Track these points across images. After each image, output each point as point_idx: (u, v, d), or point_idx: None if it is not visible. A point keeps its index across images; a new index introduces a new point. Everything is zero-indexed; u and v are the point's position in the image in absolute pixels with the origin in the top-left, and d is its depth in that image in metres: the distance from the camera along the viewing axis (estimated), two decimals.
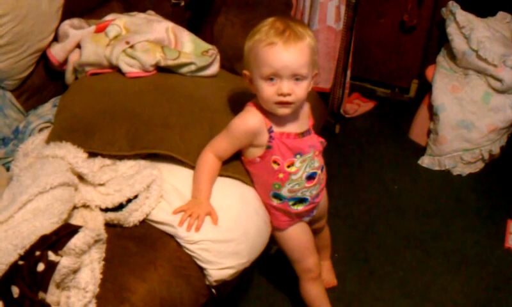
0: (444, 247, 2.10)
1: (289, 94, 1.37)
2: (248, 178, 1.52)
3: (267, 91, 1.37)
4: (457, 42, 2.44)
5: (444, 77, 2.50)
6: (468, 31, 2.40)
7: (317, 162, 1.53)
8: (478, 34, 2.37)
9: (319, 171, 1.54)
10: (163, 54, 1.67)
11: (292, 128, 1.47)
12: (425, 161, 2.54)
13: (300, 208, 1.55)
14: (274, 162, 1.46)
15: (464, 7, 2.48)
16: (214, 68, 1.77)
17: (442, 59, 2.58)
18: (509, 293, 1.93)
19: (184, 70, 1.71)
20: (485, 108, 2.38)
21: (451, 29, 2.46)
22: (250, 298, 1.88)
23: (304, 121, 1.52)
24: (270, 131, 1.44)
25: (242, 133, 1.44)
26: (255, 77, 1.39)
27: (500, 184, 2.43)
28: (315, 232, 1.80)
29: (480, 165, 2.49)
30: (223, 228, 1.40)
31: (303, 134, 1.49)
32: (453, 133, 2.44)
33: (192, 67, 1.71)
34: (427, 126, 2.59)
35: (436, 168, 2.51)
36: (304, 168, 1.49)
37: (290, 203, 1.53)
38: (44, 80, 1.79)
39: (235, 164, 1.52)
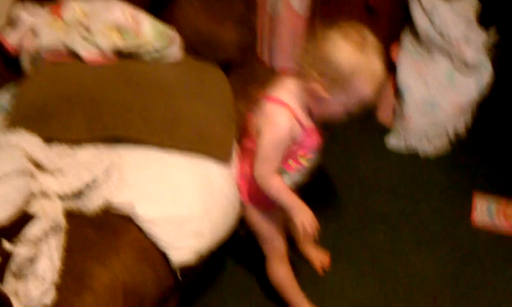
0: (411, 224, 2.12)
1: None
2: (223, 154, 1.50)
3: (340, 115, 1.39)
4: (421, 22, 2.43)
5: (408, 57, 2.50)
6: (431, 11, 2.40)
7: (317, 159, 1.56)
8: (441, 13, 2.37)
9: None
10: (121, 38, 1.63)
11: (310, 123, 1.46)
12: (391, 141, 2.55)
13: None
14: (295, 152, 1.46)
15: None
16: (175, 52, 1.74)
17: (406, 39, 2.57)
18: (476, 266, 1.95)
19: (144, 54, 1.68)
20: (449, 87, 2.40)
21: (415, 10, 2.45)
22: (220, 281, 1.86)
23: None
24: (301, 124, 1.42)
25: (288, 137, 1.41)
26: (337, 102, 1.35)
27: (465, 161, 2.45)
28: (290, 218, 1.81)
29: (445, 144, 2.50)
30: (183, 206, 1.39)
31: (316, 129, 1.50)
32: (418, 112, 2.44)
33: (152, 51, 1.67)
34: (393, 106, 2.60)
35: (403, 148, 2.52)
36: (311, 163, 1.52)
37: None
38: (0, 68, 1.74)
39: (209, 139, 1.50)
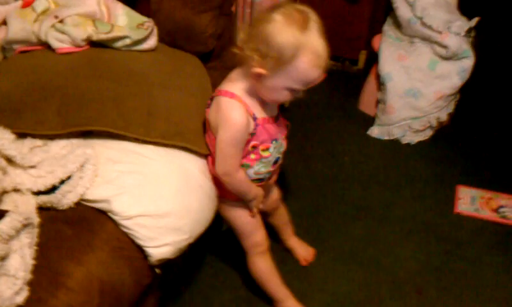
0: (395, 215, 2.11)
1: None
2: (199, 146, 1.47)
3: (285, 97, 1.37)
4: (402, 10, 2.42)
5: (390, 46, 2.49)
6: None
7: (283, 147, 1.53)
8: (422, 1, 2.35)
9: (282, 155, 1.54)
10: (95, 28, 1.58)
11: (268, 112, 1.44)
12: (374, 131, 2.53)
13: (259, 190, 1.55)
14: (252, 146, 1.43)
15: None
16: (151, 42, 1.69)
17: (388, 28, 2.56)
18: (459, 257, 1.94)
19: (119, 44, 1.63)
20: (431, 75, 2.38)
21: None
22: (202, 277, 1.84)
23: (274, 106, 1.49)
24: (254, 118, 1.40)
25: (244, 132, 1.39)
26: (279, 83, 1.33)
27: (448, 151, 2.45)
28: (272, 211, 1.79)
29: (428, 133, 2.49)
30: (161, 202, 1.35)
31: (276, 118, 1.48)
32: (401, 102, 2.43)
33: (127, 41, 1.63)
34: (376, 96, 2.58)
35: (386, 138, 2.51)
36: (274, 153, 1.48)
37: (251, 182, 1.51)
38: None
39: (186, 132, 1.46)
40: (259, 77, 1.33)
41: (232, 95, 1.38)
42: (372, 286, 1.83)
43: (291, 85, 1.33)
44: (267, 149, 1.46)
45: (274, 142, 1.47)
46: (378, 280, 1.85)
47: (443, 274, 1.88)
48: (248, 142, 1.43)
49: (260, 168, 1.49)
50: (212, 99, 1.46)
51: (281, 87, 1.34)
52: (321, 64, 1.30)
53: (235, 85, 1.40)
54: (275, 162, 1.52)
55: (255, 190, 1.52)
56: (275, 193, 1.74)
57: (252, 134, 1.42)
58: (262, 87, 1.36)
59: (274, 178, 1.64)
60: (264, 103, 1.43)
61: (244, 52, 1.34)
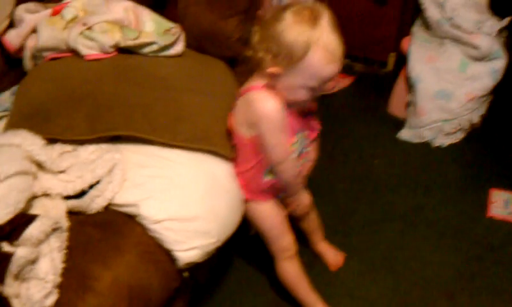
0: (426, 219, 2.07)
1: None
2: (226, 150, 1.47)
3: (305, 97, 1.36)
4: (431, 11, 2.38)
5: (420, 47, 2.45)
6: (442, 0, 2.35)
7: (308, 140, 1.53)
8: (452, 1, 2.31)
9: (308, 148, 1.54)
10: (122, 34, 1.60)
11: (293, 108, 1.44)
12: (404, 134, 2.50)
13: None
14: None
15: None
16: (179, 47, 1.71)
17: (417, 29, 2.52)
18: (492, 263, 1.89)
19: (146, 50, 1.65)
20: (462, 77, 2.34)
21: None
22: (230, 281, 1.83)
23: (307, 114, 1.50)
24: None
25: (282, 116, 1.38)
26: (296, 83, 1.32)
27: (481, 154, 2.40)
28: (303, 216, 1.78)
29: (460, 136, 2.44)
30: (189, 206, 1.35)
31: (304, 114, 1.48)
32: (431, 104, 2.39)
33: (155, 47, 1.65)
34: (406, 99, 2.55)
35: (416, 141, 2.47)
36: (299, 146, 1.48)
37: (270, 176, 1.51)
38: (3, 69, 1.72)
39: (213, 136, 1.47)
40: (274, 77, 1.33)
41: (261, 87, 1.39)
42: (402, 291, 1.79)
43: (307, 83, 1.32)
44: (293, 143, 1.46)
45: (298, 134, 1.47)
46: (408, 285, 1.81)
47: (475, 279, 1.83)
48: None
49: None
50: (237, 99, 1.46)
51: (297, 86, 1.33)
52: (335, 60, 1.29)
53: (261, 80, 1.40)
54: (299, 155, 1.51)
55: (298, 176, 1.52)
56: (306, 198, 1.73)
57: None
58: (280, 87, 1.35)
59: (303, 175, 1.62)
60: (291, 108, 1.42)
61: (257, 54, 1.35)
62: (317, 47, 1.26)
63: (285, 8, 1.31)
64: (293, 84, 1.33)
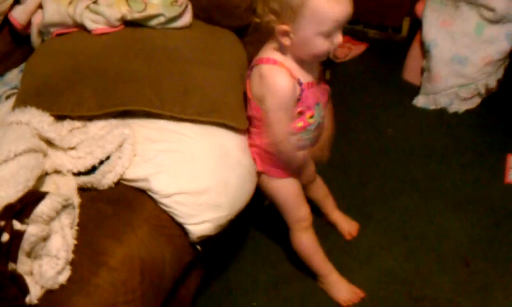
0: (442, 187, 2.04)
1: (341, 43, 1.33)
2: (237, 122, 1.45)
3: (325, 46, 1.31)
4: None
5: (434, 11, 2.39)
6: None
7: (323, 111, 1.50)
8: None
9: (323, 120, 1.52)
10: (128, 7, 1.58)
11: (311, 77, 1.42)
12: (420, 101, 2.45)
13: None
14: (299, 112, 1.41)
15: None
16: (186, 19, 1.68)
17: None
18: (509, 228, 1.87)
19: (153, 22, 1.62)
20: (478, 40, 2.28)
21: None
22: (245, 253, 1.83)
23: (315, 68, 1.46)
24: (299, 83, 1.38)
25: (292, 96, 1.37)
26: (310, 34, 1.29)
27: (498, 119, 2.35)
28: (308, 184, 1.76)
29: (477, 101, 2.40)
30: (199, 179, 1.34)
31: (318, 82, 1.45)
32: (447, 69, 2.34)
33: (162, 19, 1.62)
34: (421, 65, 2.50)
35: (432, 107, 2.42)
36: (317, 117, 1.46)
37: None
38: (11, 46, 1.72)
39: (223, 108, 1.45)
40: (287, 35, 1.31)
41: (274, 61, 1.36)
42: (418, 259, 1.78)
43: (319, 29, 1.28)
44: (313, 115, 1.44)
45: (316, 106, 1.44)
46: (424, 253, 1.80)
47: (492, 245, 1.81)
48: (294, 107, 1.40)
49: (303, 135, 1.47)
50: (251, 69, 1.44)
51: (312, 36, 1.29)
52: None
53: (275, 53, 1.37)
54: (317, 126, 1.49)
55: (303, 157, 1.50)
56: (311, 165, 1.71)
57: (298, 100, 1.39)
58: (296, 46, 1.33)
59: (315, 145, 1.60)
60: (306, 67, 1.40)
61: (263, 19, 1.33)
62: None
63: None
64: (307, 36, 1.29)
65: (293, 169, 1.53)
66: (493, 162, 2.13)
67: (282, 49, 1.36)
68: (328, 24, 1.27)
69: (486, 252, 1.79)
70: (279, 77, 1.35)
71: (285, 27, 1.30)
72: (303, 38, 1.30)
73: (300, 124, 1.43)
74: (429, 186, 2.05)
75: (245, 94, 1.49)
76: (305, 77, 1.40)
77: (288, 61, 1.37)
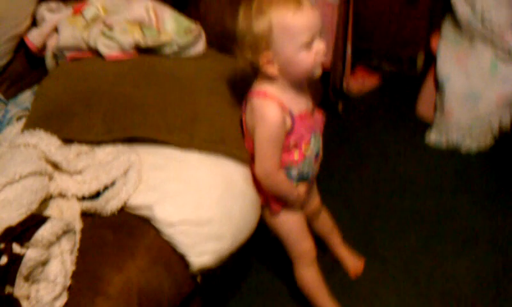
0: (451, 227, 2.00)
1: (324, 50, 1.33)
2: (243, 153, 1.45)
3: (309, 58, 1.31)
4: (462, 10, 2.31)
5: (449, 47, 2.38)
6: None
7: (320, 140, 1.50)
8: (483, 1, 2.24)
9: (321, 149, 1.51)
10: (142, 34, 1.60)
11: (304, 106, 1.42)
12: (432, 136, 2.43)
13: (303, 188, 1.51)
14: (293, 144, 1.41)
15: None
16: (199, 47, 1.69)
17: (447, 28, 2.45)
18: None
19: (166, 50, 1.64)
20: (493, 78, 2.26)
21: None
22: (247, 284, 1.81)
23: (309, 97, 1.46)
24: (291, 114, 1.38)
25: (281, 129, 1.37)
26: (290, 52, 1.29)
27: (510, 159, 2.32)
28: (313, 218, 1.74)
29: (489, 139, 2.37)
30: (203, 209, 1.33)
31: (312, 112, 1.45)
32: (460, 106, 2.32)
33: (175, 47, 1.63)
34: (434, 100, 2.48)
35: (444, 143, 2.40)
36: (315, 147, 1.45)
37: (295, 183, 1.48)
38: (25, 68, 1.74)
39: (230, 139, 1.45)
40: (271, 63, 1.32)
41: (265, 94, 1.36)
42: (423, 301, 1.74)
43: (296, 42, 1.28)
44: (308, 145, 1.43)
45: (312, 136, 1.44)
46: (430, 295, 1.76)
47: (501, 291, 1.77)
48: (287, 139, 1.40)
49: (304, 166, 1.46)
50: (246, 103, 1.44)
51: (294, 53, 1.29)
52: (296, 4, 1.26)
53: (265, 85, 1.38)
54: (316, 156, 1.49)
55: (296, 192, 1.49)
56: (317, 198, 1.70)
57: (290, 130, 1.39)
58: (284, 70, 1.33)
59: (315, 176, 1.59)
60: (297, 97, 1.40)
61: (246, 61, 1.35)
62: (270, 8, 1.26)
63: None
64: (290, 55, 1.29)
65: (293, 202, 1.51)
66: (504, 203, 2.10)
67: (272, 81, 1.36)
68: (302, 34, 1.27)
69: (495, 297, 1.75)
70: (268, 109, 1.35)
71: (266, 55, 1.30)
72: (287, 58, 1.30)
73: (296, 156, 1.43)
74: (437, 224, 2.01)
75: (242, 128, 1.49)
76: (297, 108, 1.39)
77: (278, 93, 1.36)
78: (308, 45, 1.29)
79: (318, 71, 1.36)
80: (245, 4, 1.31)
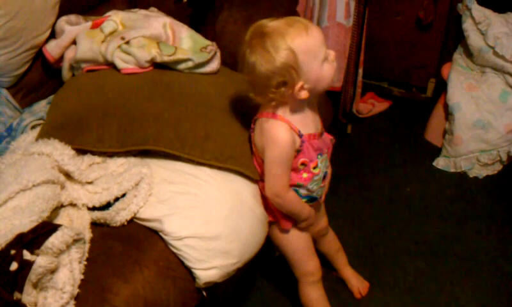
0: (456, 252, 2.01)
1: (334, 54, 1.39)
2: (253, 171, 1.47)
3: (331, 68, 1.36)
4: (474, 38, 2.33)
5: (460, 75, 2.40)
6: (484, 26, 2.29)
7: (328, 161, 1.52)
8: (495, 30, 2.26)
9: (329, 170, 1.54)
10: (159, 50, 1.62)
11: (313, 128, 1.44)
12: (440, 162, 2.44)
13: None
14: (302, 164, 1.43)
15: (481, 3, 2.37)
16: (214, 65, 1.72)
17: (459, 56, 2.48)
18: None
19: (181, 66, 1.66)
20: (503, 107, 2.27)
21: (467, 25, 2.36)
22: (252, 302, 1.82)
23: (318, 120, 1.49)
24: (300, 135, 1.40)
25: (290, 149, 1.39)
26: (317, 69, 1.33)
27: None
28: (320, 238, 1.75)
29: (497, 167, 2.37)
30: (212, 224, 1.35)
31: (321, 134, 1.47)
32: (469, 133, 2.33)
33: (190, 63, 1.66)
34: (443, 126, 2.49)
35: (452, 170, 2.41)
36: (322, 168, 1.47)
37: (303, 202, 1.50)
38: (42, 78, 1.76)
39: (241, 156, 1.47)
40: (303, 88, 1.34)
41: (274, 115, 1.38)
42: None
43: (319, 58, 1.32)
44: (316, 165, 1.45)
45: (319, 156, 1.46)
46: None
47: None
48: (296, 159, 1.42)
49: (313, 186, 1.48)
50: (254, 123, 1.46)
51: (319, 69, 1.33)
52: (303, 25, 1.30)
53: (274, 107, 1.39)
54: (324, 177, 1.51)
55: (308, 209, 1.51)
56: (324, 219, 1.71)
57: (298, 151, 1.41)
58: (313, 88, 1.36)
59: (323, 198, 1.60)
60: (307, 118, 1.42)
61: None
62: (285, 40, 1.28)
63: (246, 55, 1.35)
64: (317, 72, 1.33)
65: (306, 219, 1.53)
66: (509, 229, 2.10)
67: (281, 103, 1.39)
68: (320, 50, 1.32)
69: None
70: (279, 130, 1.37)
71: (299, 84, 1.33)
72: (316, 77, 1.34)
73: (305, 175, 1.44)
74: (442, 250, 2.02)
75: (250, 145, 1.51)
76: (306, 129, 1.41)
77: (287, 114, 1.39)
78: (326, 57, 1.34)
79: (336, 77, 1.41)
80: (252, 53, 1.32)
